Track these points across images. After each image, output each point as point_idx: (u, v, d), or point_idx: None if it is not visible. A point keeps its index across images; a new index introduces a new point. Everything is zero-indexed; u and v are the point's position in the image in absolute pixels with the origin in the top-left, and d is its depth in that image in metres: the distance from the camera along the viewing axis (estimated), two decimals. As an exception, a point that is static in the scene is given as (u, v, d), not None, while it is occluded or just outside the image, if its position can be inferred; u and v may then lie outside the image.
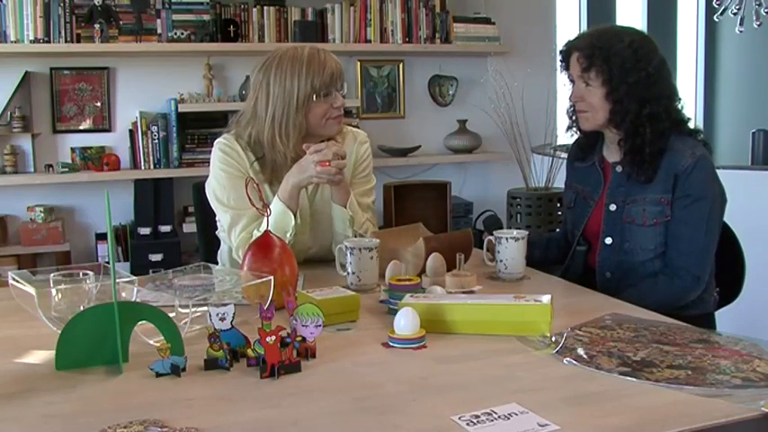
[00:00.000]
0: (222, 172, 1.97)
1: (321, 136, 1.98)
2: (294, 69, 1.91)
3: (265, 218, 1.60)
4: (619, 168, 1.91)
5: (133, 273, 2.24)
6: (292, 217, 1.88)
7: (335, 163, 1.84)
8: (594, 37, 1.88)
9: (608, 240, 1.91)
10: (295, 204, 1.90)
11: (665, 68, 1.87)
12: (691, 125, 1.92)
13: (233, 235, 1.96)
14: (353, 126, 2.29)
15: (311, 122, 1.94)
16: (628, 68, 1.81)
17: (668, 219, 1.82)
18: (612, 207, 1.91)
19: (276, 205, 1.88)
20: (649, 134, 1.81)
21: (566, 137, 2.13)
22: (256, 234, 1.88)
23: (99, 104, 3.64)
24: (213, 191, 2.00)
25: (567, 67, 1.96)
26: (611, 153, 1.96)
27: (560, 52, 1.96)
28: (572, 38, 1.96)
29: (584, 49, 1.86)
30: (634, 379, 1.13)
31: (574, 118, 2.00)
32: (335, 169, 1.84)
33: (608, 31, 1.91)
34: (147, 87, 3.66)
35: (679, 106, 1.90)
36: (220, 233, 2.08)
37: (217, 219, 2.06)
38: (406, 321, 1.32)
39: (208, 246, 2.33)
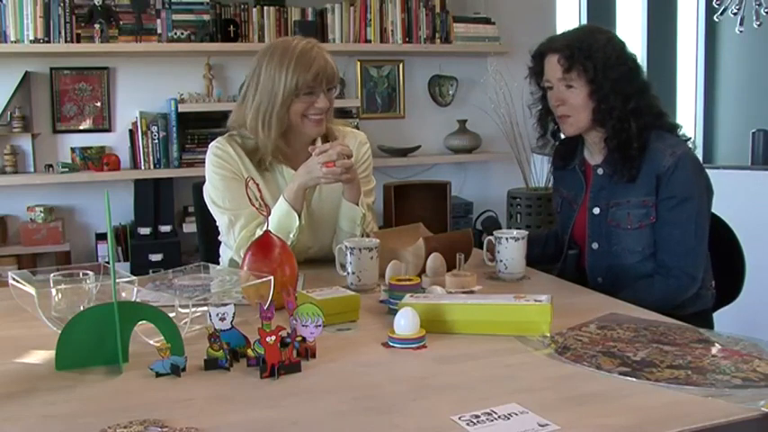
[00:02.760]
0: (216, 175, 1.98)
1: (302, 134, 1.98)
2: (283, 63, 1.90)
3: (266, 217, 1.60)
4: (600, 171, 1.90)
5: (133, 273, 2.24)
6: (296, 218, 1.88)
7: (341, 163, 1.83)
8: (570, 38, 1.86)
9: (595, 245, 1.91)
10: (300, 205, 1.90)
11: (638, 63, 1.88)
12: (670, 120, 1.91)
13: (232, 236, 1.96)
14: (353, 126, 2.29)
15: (291, 119, 1.94)
16: (611, 65, 1.80)
17: (653, 221, 1.82)
18: (596, 210, 1.90)
19: (281, 206, 1.88)
20: (635, 129, 1.80)
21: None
22: (259, 233, 1.88)
23: (99, 104, 3.64)
24: (209, 195, 2.01)
25: (536, 73, 1.93)
26: (593, 155, 1.96)
27: (532, 57, 1.93)
28: (542, 42, 1.92)
29: (563, 50, 1.83)
30: (634, 379, 1.13)
31: (551, 126, 1.99)
32: (341, 169, 1.83)
33: (582, 30, 1.91)
34: (147, 87, 3.66)
35: (656, 101, 1.89)
36: (222, 238, 2.08)
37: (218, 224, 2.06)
38: (406, 321, 1.32)
39: (208, 246, 2.33)
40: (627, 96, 1.81)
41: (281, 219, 1.86)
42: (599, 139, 1.90)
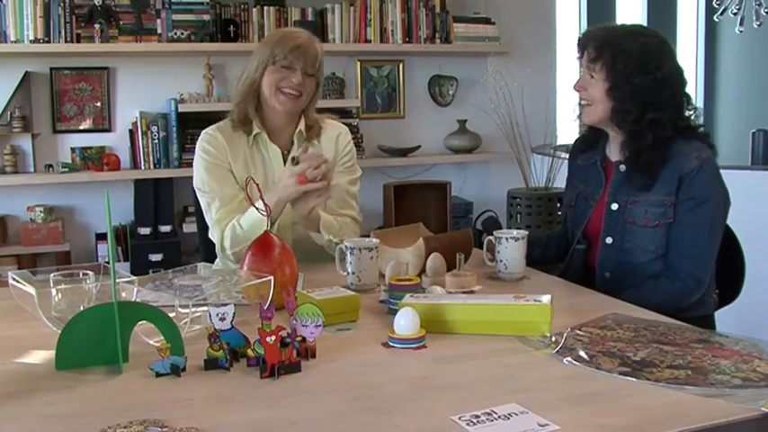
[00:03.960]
0: (201, 159, 2.08)
1: (272, 107, 2.04)
2: (269, 38, 2.06)
3: (267, 217, 1.60)
4: (622, 167, 1.91)
5: (133, 273, 2.24)
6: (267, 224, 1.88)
7: (310, 173, 1.83)
8: (610, 31, 1.89)
9: (608, 240, 1.91)
10: (278, 215, 1.93)
11: (677, 77, 1.85)
12: (703, 130, 1.90)
13: (210, 215, 2.04)
14: (353, 126, 2.30)
15: (264, 87, 2.03)
16: (632, 68, 1.81)
17: (670, 221, 1.82)
18: (614, 206, 1.90)
19: (256, 216, 1.87)
20: (650, 140, 1.80)
21: (566, 136, 2.12)
22: (234, 223, 1.96)
23: (99, 104, 3.64)
24: (194, 178, 2.11)
25: (581, 56, 1.96)
26: (614, 152, 1.96)
27: (578, 39, 1.96)
28: (593, 27, 1.96)
29: (596, 41, 1.87)
30: (634, 379, 1.14)
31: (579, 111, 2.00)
32: (318, 184, 1.84)
33: (626, 29, 1.91)
34: (147, 87, 3.66)
35: (690, 114, 1.88)
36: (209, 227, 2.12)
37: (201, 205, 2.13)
38: (406, 321, 1.32)
39: (208, 246, 2.33)
40: (645, 105, 1.80)
41: (255, 224, 1.86)
42: (618, 138, 1.91)
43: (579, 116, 2.00)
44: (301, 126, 2.10)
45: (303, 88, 2.01)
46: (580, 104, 1.95)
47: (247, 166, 2.07)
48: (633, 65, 1.81)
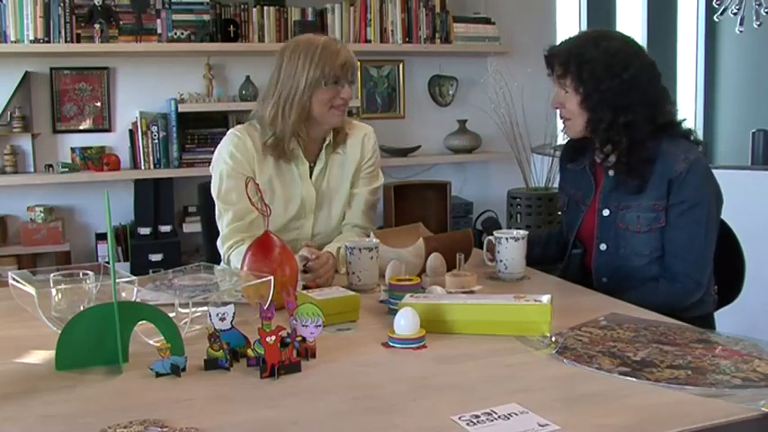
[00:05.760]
0: (224, 163, 2.00)
1: (323, 123, 2.00)
2: (308, 54, 1.94)
3: (266, 217, 1.60)
4: (611, 172, 1.90)
5: (133, 273, 2.24)
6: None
7: (320, 281, 1.78)
8: (572, 43, 1.87)
9: (603, 246, 1.90)
10: None
11: (648, 74, 1.82)
12: (686, 125, 1.88)
13: (220, 224, 2.01)
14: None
15: (315, 108, 1.96)
16: (599, 76, 1.78)
17: (663, 225, 1.81)
18: (606, 212, 1.90)
19: None
20: (625, 143, 1.79)
21: (565, 136, 2.12)
22: (241, 244, 1.92)
23: (99, 104, 3.64)
24: (213, 179, 2.03)
25: (551, 73, 1.94)
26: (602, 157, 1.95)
27: (544, 57, 1.93)
28: (555, 44, 1.93)
29: (561, 56, 1.85)
30: (634, 379, 1.14)
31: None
32: (326, 286, 1.76)
33: (587, 36, 1.89)
34: (147, 87, 3.66)
35: (670, 110, 1.86)
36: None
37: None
38: (406, 321, 1.32)
39: (211, 245, 2.33)
40: (617, 110, 1.78)
41: None
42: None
43: (564, 131, 2.00)
44: (329, 137, 2.05)
45: (350, 97, 2.00)
46: (562, 120, 1.93)
47: (272, 181, 2.00)
48: (599, 71, 1.78)
